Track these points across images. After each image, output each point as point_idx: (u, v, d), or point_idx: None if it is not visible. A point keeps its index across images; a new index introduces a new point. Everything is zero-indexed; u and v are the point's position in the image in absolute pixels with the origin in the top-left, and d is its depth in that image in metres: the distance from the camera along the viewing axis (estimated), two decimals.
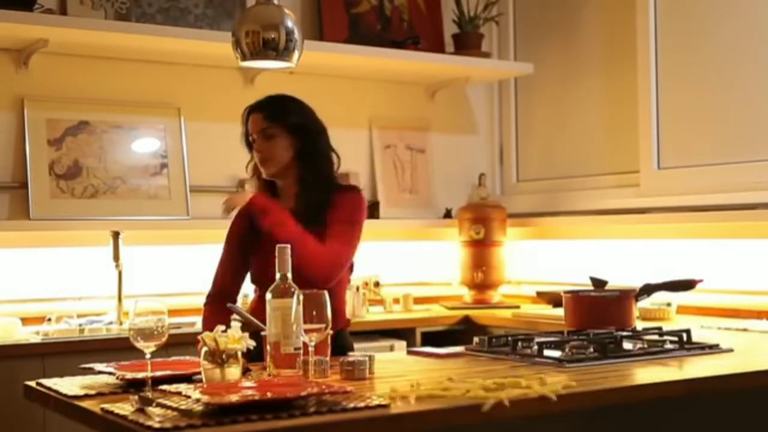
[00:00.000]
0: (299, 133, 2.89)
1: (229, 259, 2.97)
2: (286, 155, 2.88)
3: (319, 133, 2.93)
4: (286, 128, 2.88)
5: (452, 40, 4.65)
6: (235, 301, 2.90)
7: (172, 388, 2.03)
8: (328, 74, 4.34)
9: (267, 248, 2.56)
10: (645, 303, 3.37)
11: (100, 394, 2.11)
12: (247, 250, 2.92)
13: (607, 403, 2.21)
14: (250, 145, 2.95)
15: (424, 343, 3.94)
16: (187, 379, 2.21)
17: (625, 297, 2.90)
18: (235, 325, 2.85)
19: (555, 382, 2.11)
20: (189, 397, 1.89)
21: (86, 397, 2.09)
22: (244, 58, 2.83)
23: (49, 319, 3.62)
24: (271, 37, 2.78)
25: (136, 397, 1.94)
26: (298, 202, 2.88)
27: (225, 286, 2.95)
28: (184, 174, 4.06)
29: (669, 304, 3.72)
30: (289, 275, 2.33)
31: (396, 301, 4.32)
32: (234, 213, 2.94)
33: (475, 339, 2.76)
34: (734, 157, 3.81)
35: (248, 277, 3.00)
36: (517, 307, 4.37)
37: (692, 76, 3.97)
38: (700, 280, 3.09)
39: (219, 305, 2.83)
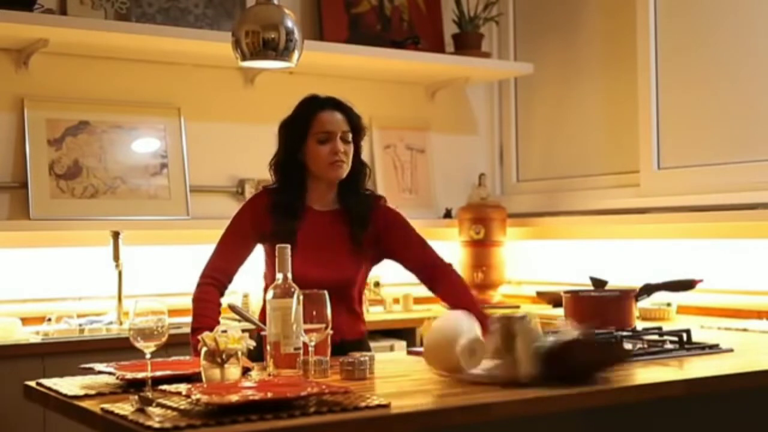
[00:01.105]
0: (358, 139, 2.91)
1: (234, 248, 2.85)
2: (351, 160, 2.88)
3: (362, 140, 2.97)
4: (356, 137, 2.89)
5: (452, 40, 4.65)
6: (227, 285, 2.83)
7: (172, 388, 2.02)
8: (328, 74, 4.34)
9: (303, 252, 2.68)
10: (645, 303, 3.37)
11: (100, 394, 2.11)
12: (259, 243, 2.87)
13: (607, 403, 2.21)
14: (300, 135, 2.84)
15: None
16: (187, 379, 2.21)
17: (625, 297, 2.90)
18: (235, 324, 2.86)
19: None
20: (189, 397, 1.89)
21: (86, 397, 2.09)
22: (244, 58, 2.83)
23: (49, 319, 3.62)
24: (271, 37, 2.78)
25: (136, 397, 1.94)
26: (347, 207, 2.88)
27: (227, 269, 2.83)
28: (184, 174, 4.06)
29: (669, 304, 3.72)
30: (289, 275, 2.33)
31: (396, 301, 4.32)
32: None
33: None
34: (734, 157, 3.81)
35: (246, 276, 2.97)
36: (517, 307, 4.37)
37: (692, 76, 3.97)
38: (700, 280, 3.10)
39: (216, 286, 2.78)
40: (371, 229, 2.89)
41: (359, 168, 2.93)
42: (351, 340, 2.79)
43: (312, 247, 2.79)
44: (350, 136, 2.86)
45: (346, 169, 2.85)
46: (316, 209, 2.88)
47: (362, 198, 2.92)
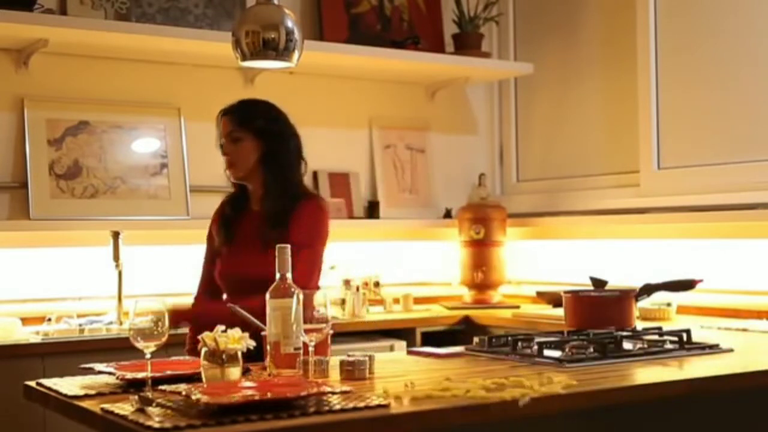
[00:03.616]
0: (265, 138, 2.94)
1: (208, 261, 3.11)
2: (251, 159, 2.93)
3: (286, 138, 2.97)
4: (252, 132, 2.93)
5: (452, 40, 4.65)
6: (219, 291, 3.03)
7: (172, 388, 2.02)
8: (328, 74, 4.34)
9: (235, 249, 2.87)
10: (645, 303, 3.37)
11: (100, 394, 2.11)
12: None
13: (607, 403, 2.21)
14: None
15: (424, 343, 3.94)
16: (187, 379, 2.21)
17: (625, 297, 2.90)
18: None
19: (555, 382, 2.11)
20: (189, 397, 1.89)
21: (86, 397, 2.09)
22: (244, 58, 2.83)
23: (49, 319, 3.62)
24: (271, 37, 2.78)
25: (136, 397, 1.94)
26: (262, 207, 2.95)
27: (211, 279, 3.07)
28: (184, 174, 4.06)
29: (669, 304, 3.72)
30: (289, 275, 2.33)
31: (396, 301, 4.32)
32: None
33: (475, 339, 2.76)
34: (734, 157, 3.81)
35: None
36: (517, 307, 4.37)
37: (692, 76, 3.97)
38: (700, 280, 3.09)
39: (206, 295, 3.02)
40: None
41: (266, 167, 2.93)
42: None
43: (242, 244, 2.92)
44: (236, 134, 2.93)
45: (238, 169, 2.94)
46: (254, 210, 2.99)
47: (269, 198, 2.92)
